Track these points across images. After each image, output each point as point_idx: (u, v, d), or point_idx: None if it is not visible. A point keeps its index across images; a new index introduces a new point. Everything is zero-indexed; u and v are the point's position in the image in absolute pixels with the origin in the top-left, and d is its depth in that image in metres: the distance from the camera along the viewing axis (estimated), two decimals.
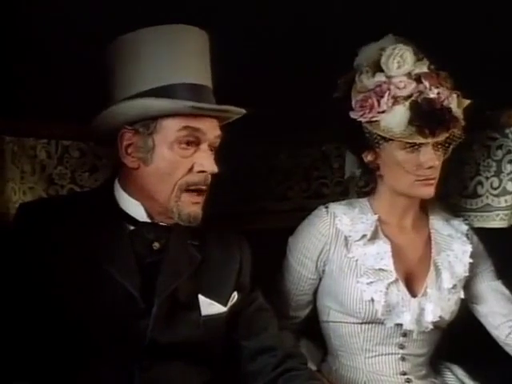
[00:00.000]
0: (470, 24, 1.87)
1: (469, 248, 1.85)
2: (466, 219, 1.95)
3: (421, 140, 1.70)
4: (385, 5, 1.86)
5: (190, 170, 1.54)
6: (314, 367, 1.80)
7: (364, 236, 1.80)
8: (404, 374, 1.83)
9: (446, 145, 1.75)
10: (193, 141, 1.53)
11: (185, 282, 1.58)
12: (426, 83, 1.72)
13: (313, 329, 1.91)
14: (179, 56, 1.54)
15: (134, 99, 1.52)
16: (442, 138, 1.72)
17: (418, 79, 1.73)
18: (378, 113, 1.71)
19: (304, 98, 1.96)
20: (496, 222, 1.94)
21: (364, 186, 2.00)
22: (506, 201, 1.93)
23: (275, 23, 1.90)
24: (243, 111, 1.60)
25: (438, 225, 1.89)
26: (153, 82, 1.52)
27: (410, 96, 1.71)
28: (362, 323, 1.80)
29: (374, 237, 1.81)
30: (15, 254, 1.53)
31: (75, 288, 1.50)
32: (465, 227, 1.91)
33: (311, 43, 1.93)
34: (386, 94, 1.71)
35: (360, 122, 1.74)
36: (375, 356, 1.83)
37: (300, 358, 1.69)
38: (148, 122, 1.52)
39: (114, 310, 1.51)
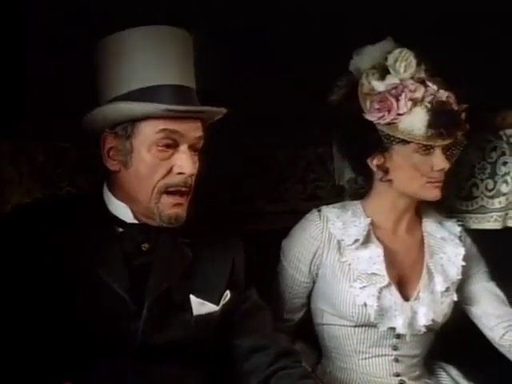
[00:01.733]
0: (465, 27, 1.87)
1: (462, 251, 1.86)
2: (459, 221, 1.95)
3: (439, 142, 1.72)
4: (383, 4, 1.86)
5: (169, 171, 1.53)
6: (308, 369, 1.79)
7: (357, 240, 1.80)
8: (398, 375, 1.83)
9: (453, 148, 1.77)
10: (171, 143, 1.53)
11: (176, 282, 1.58)
12: (434, 86, 1.74)
13: (307, 331, 1.91)
14: (158, 57, 1.53)
15: (111, 103, 1.52)
16: (456, 138, 1.75)
17: (422, 82, 1.75)
18: (398, 115, 1.72)
19: (301, 100, 1.97)
20: (490, 223, 1.95)
21: (359, 188, 2.00)
22: (500, 202, 1.94)
23: (273, 25, 1.89)
24: (223, 111, 1.58)
25: (431, 227, 1.89)
26: (131, 84, 1.52)
27: (422, 98, 1.72)
28: (355, 326, 1.80)
29: (366, 241, 1.81)
30: (7, 255, 1.53)
31: (66, 290, 1.51)
32: (458, 229, 1.91)
33: (309, 44, 1.92)
34: (403, 96, 1.72)
35: (371, 124, 1.74)
36: (369, 358, 1.83)
37: (294, 356, 1.69)
38: (126, 126, 1.52)
39: (105, 313, 1.51)
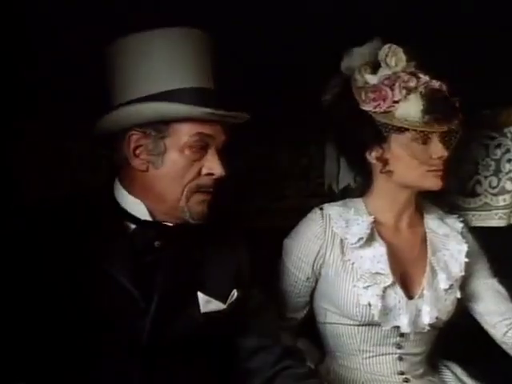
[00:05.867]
0: (467, 23, 1.87)
1: (464, 247, 1.85)
2: (461, 217, 1.94)
3: (436, 128, 1.73)
4: (382, 5, 1.86)
5: (199, 172, 1.56)
6: (312, 367, 1.79)
7: (360, 239, 1.79)
8: (402, 373, 1.83)
9: (451, 136, 1.77)
10: (203, 145, 1.55)
11: (185, 280, 1.59)
12: (426, 77, 1.75)
13: (311, 329, 1.91)
14: (188, 59, 1.55)
15: (146, 102, 1.52)
16: (453, 125, 1.75)
17: (414, 75, 1.76)
18: (394, 102, 1.73)
19: (303, 98, 1.96)
20: (495, 220, 1.96)
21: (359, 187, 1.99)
22: (504, 200, 1.94)
23: (272, 25, 1.89)
24: (248, 117, 1.62)
25: (434, 224, 1.89)
26: (161, 85, 1.53)
27: (416, 87, 1.74)
28: (358, 325, 1.80)
29: (370, 239, 1.80)
30: (15, 254, 1.53)
31: (75, 288, 1.51)
32: (459, 225, 1.90)
33: (310, 44, 1.92)
34: (397, 85, 1.73)
35: (368, 116, 1.75)
36: (373, 356, 1.82)
37: (299, 355, 1.69)
38: (160, 126, 1.53)
39: (114, 309, 1.51)
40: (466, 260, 1.84)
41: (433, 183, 1.79)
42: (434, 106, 1.72)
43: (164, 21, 1.58)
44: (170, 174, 1.55)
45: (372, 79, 1.78)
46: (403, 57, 1.78)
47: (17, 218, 1.62)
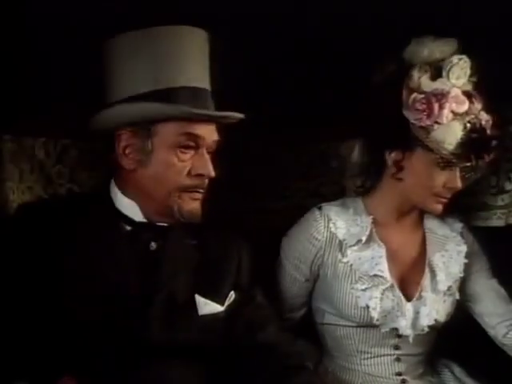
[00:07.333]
0: (464, 27, 1.86)
1: (464, 248, 1.85)
2: (461, 217, 1.93)
3: (464, 162, 1.71)
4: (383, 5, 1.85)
5: (188, 173, 1.55)
6: (310, 368, 1.79)
7: (359, 241, 1.79)
8: (399, 374, 1.83)
9: (472, 173, 1.77)
10: (192, 145, 1.54)
11: (182, 282, 1.59)
12: (478, 105, 1.72)
13: (309, 330, 1.91)
14: (179, 58, 1.54)
15: (134, 102, 1.52)
16: (480, 163, 1.74)
17: (469, 97, 1.72)
18: (435, 122, 1.69)
19: (302, 98, 1.96)
20: (493, 220, 1.96)
21: (361, 185, 1.98)
22: (502, 199, 1.94)
23: (276, 23, 1.89)
24: (241, 116, 1.59)
25: (433, 224, 1.88)
26: (152, 84, 1.52)
27: (463, 114, 1.70)
28: (357, 326, 1.80)
29: (368, 240, 1.79)
30: (13, 254, 1.54)
31: (72, 289, 1.51)
32: (459, 225, 1.90)
33: (311, 44, 1.92)
34: (447, 106, 1.68)
35: (405, 122, 1.71)
36: (371, 357, 1.82)
37: (299, 356, 1.68)
38: (147, 125, 1.53)
39: (112, 311, 1.51)
40: (466, 261, 1.84)
41: (433, 208, 1.79)
42: (471, 143, 1.69)
43: (164, 19, 1.57)
44: (158, 173, 1.54)
45: (427, 86, 1.70)
46: (468, 72, 1.72)
47: (14, 218, 1.63)
